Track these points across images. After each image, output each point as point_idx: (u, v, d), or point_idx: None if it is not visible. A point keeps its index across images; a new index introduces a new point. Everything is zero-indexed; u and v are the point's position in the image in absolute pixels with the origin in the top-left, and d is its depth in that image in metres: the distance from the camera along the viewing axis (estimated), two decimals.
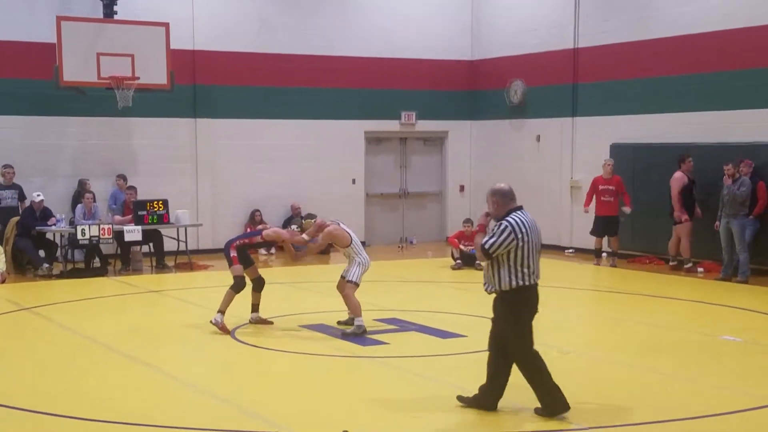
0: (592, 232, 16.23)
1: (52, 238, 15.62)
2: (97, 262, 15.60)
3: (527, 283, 6.98)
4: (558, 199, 18.51)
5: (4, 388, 7.92)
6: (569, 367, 8.76)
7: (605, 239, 16.22)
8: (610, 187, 15.80)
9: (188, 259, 16.05)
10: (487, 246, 6.90)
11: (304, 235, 10.50)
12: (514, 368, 7.13)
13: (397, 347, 9.49)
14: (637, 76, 16.90)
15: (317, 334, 10.18)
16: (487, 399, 7.17)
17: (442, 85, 20.15)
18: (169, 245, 16.30)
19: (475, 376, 8.20)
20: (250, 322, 10.55)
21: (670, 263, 15.44)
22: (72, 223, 15.40)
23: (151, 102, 16.87)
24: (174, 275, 15.54)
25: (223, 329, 10.05)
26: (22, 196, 15.70)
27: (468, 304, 12.50)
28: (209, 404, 7.44)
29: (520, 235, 6.89)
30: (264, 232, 10.68)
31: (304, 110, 18.83)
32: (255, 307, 10.61)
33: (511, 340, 7.09)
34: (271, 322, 10.61)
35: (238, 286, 10.25)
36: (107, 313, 12.01)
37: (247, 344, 9.68)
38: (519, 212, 7.06)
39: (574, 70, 18.06)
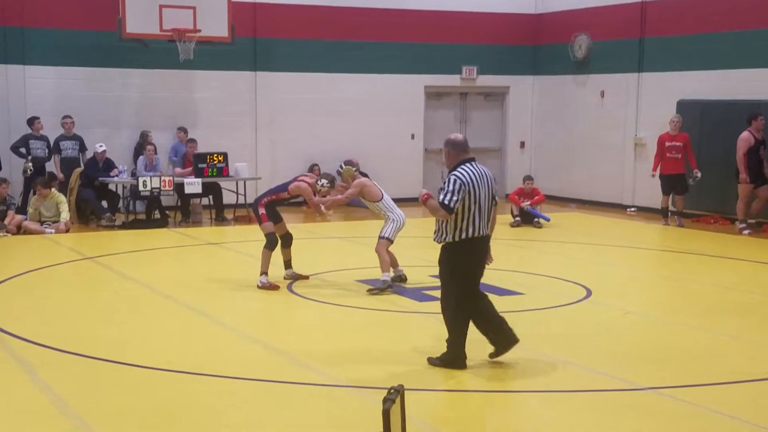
0: (663, 191, 15.77)
1: (114, 189, 15.84)
2: (157, 214, 15.79)
3: (475, 234, 6.92)
4: (621, 156, 18.19)
5: (68, 334, 8.07)
6: (629, 328, 8.65)
7: (670, 198, 15.87)
8: (677, 144, 15.41)
9: (247, 212, 16.16)
10: (446, 203, 6.80)
11: (329, 195, 10.40)
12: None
13: None
14: (706, 30, 16.43)
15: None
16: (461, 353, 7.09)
17: (504, 39, 19.84)
18: (228, 198, 16.43)
19: (529, 333, 8.14)
20: (285, 278, 10.50)
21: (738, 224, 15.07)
22: (134, 175, 15.58)
23: (212, 55, 16.91)
24: (233, 228, 15.67)
25: (272, 287, 10.02)
26: (83, 147, 15.91)
27: (526, 261, 12.41)
28: (265, 355, 7.50)
29: (467, 187, 6.83)
30: (289, 187, 10.32)
31: (364, 64, 18.71)
32: (288, 264, 10.57)
33: (449, 292, 7.05)
34: (307, 277, 10.58)
35: (271, 244, 10.13)
36: (167, 264, 12.17)
37: (304, 297, 9.73)
38: (469, 164, 7.00)
39: (641, 24, 17.62)
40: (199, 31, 15.88)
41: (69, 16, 16.52)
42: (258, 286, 10.06)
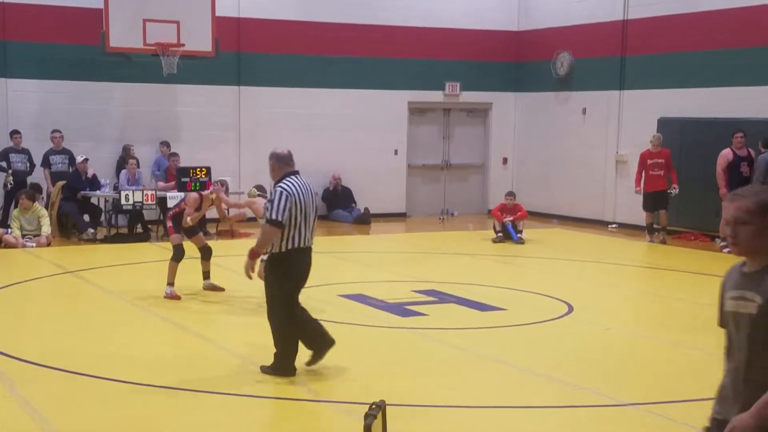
0: (645, 208, 15.85)
1: (96, 203, 15.78)
2: (140, 228, 15.74)
3: (301, 245, 7.06)
4: (602, 173, 18.30)
5: (48, 348, 8.02)
6: (610, 343, 8.68)
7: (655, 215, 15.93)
8: (659, 160, 15.51)
9: (230, 227, 16.12)
10: (274, 218, 6.89)
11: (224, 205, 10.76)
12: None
13: (435, 319, 9.46)
14: (686, 49, 16.58)
15: (356, 304, 10.18)
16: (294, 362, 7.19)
17: (487, 55, 19.95)
18: (211, 213, 16.35)
19: (510, 349, 8.17)
20: (203, 289, 10.63)
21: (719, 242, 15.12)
22: (116, 189, 15.54)
23: (195, 69, 16.91)
24: (215, 242, 15.57)
25: (174, 297, 10.15)
26: (73, 161, 15.86)
27: (508, 277, 12.44)
28: (247, 370, 7.48)
29: (293, 198, 6.96)
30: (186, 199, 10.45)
31: (348, 80, 18.75)
32: (205, 275, 10.73)
33: (275, 302, 7.12)
34: (222, 289, 10.62)
35: (176, 256, 10.25)
36: (149, 278, 12.11)
37: None
38: (293, 176, 7.13)
39: (622, 42, 17.76)
40: (183, 45, 15.88)
41: (52, 30, 16.49)
42: (164, 297, 10.12)
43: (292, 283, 7.15)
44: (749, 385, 3.61)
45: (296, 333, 7.19)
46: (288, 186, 7.02)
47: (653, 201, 15.66)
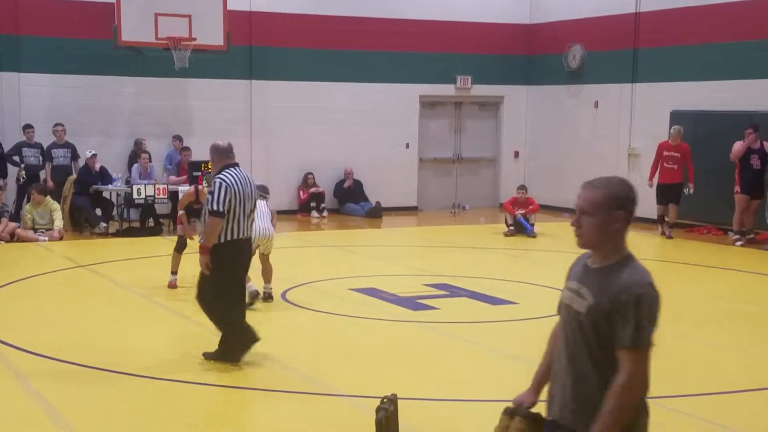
0: (657, 200, 15.58)
1: (108, 197, 15.82)
2: (151, 222, 15.78)
3: (241, 236, 7.19)
4: (615, 166, 18.19)
5: (60, 342, 8.05)
6: None
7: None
8: (675, 154, 15.29)
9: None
10: (215, 208, 7.02)
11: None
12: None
13: (447, 313, 9.45)
14: (699, 41, 16.49)
15: (367, 297, 10.18)
16: (235, 351, 7.31)
17: (498, 49, 19.89)
18: None
19: (522, 343, 8.15)
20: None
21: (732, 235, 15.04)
22: (128, 183, 15.57)
23: (207, 63, 16.91)
24: None
25: (172, 286, 10.45)
26: (75, 155, 15.89)
27: (520, 270, 12.42)
28: (259, 365, 7.49)
29: (233, 189, 7.08)
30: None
31: (359, 73, 18.74)
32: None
33: (216, 291, 7.21)
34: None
35: (178, 246, 10.68)
36: (161, 272, 12.12)
37: (298, 306, 9.72)
38: (233, 168, 7.24)
39: (634, 34, 17.68)
40: (195, 39, 15.89)
41: (64, 25, 16.51)
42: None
43: (233, 273, 7.27)
44: (570, 385, 3.42)
45: (237, 319, 7.34)
46: (227, 177, 7.15)
47: (667, 193, 15.50)
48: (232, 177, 7.17)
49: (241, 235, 7.20)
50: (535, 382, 3.75)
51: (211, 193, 7.12)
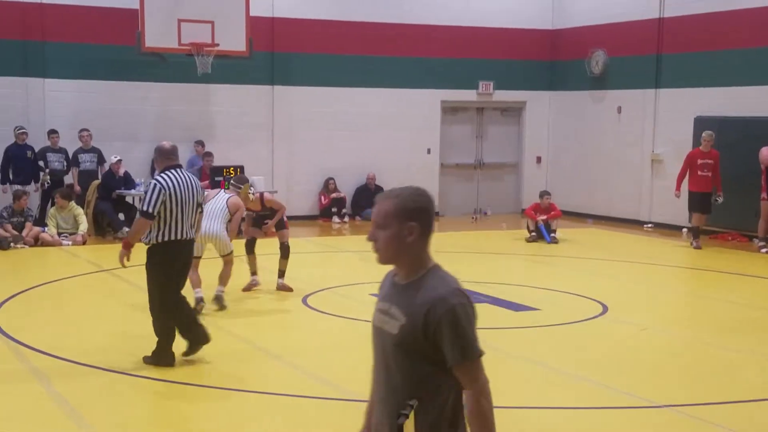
0: (692, 208, 15.14)
1: (131, 202, 15.91)
2: None
3: (178, 237, 7.24)
4: (638, 172, 18.13)
5: (83, 346, 8.09)
6: (645, 344, 8.60)
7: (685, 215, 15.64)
8: (709, 161, 14.83)
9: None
10: (145, 209, 7.13)
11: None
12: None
13: None
14: (723, 47, 16.38)
15: None
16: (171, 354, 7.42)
17: (521, 54, 19.85)
18: None
19: (547, 349, 8.12)
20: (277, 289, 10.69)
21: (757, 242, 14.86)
22: None
23: (229, 69, 16.98)
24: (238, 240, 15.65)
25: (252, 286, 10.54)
26: (101, 160, 16.00)
27: (542, 277, 12.36)
28: (279, 369, 7.50)
29: (168, 192, 7.14)
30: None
31: (381, 79, 18.75)
32: (280, 273, 10.71)
33: (154, 292, 7.31)
34: (290, 289, 10.63)
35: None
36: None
37: (318, 311, 9.72)
38: (173, 170, 7.31)
39: (658, 40, 17.59)
40: (218, 45, 15.96)
41: (89, 31, 16.64)
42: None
43: (168, 274, 7.32)
44: (389, 413, 3.14)
45: (172, 323, 7.40)
46: (163, 179, 7.23)
47: (701, 202, 14.91)
48: (169, 179, 7.23)
49: (177, 237, 7.25)
50: (367, 418, 3.39)
51: (146, 192, 7.27)
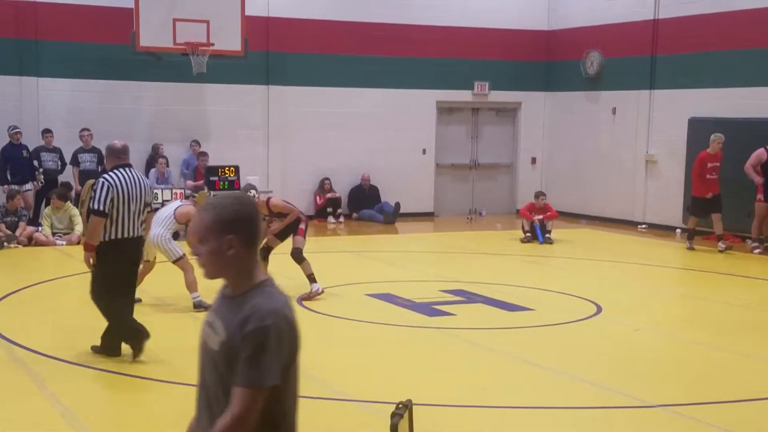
0: (693, 212, 14.87)
1: None
2: None
3: (125, 236, 7.37)
4: (632, 173, 18.16)
5: (77, 346, 8.08)
6: (639, 344, 8.62)
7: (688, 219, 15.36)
8: (717, 164, 14.65)
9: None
10: (96, 207, 7.25)
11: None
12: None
13: (463, 319, 9.44)
14: (717, 48, 16.42)
15: (383, 303, 10.18)
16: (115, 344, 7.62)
17: (516, 55, 19.87)
18: None
19: (541, 349, 8.13)
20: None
21: (750, 243, 14.90)
22: None
23: (224, 68, 16.97)
24: None
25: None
26: (101, 160, 15.97)
27: (536, 277, 12.38)
28: None
29: (116, 190, 7.29)
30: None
31: (376, 79, 18.75)
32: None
33: (98, 286, 7.47)
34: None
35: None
36: (177, 276, 12.15)
37: (313, 311, 9.73)
38: (121, 169, 7.44)
39: (653, 41, 17.62)
40: (213, 44, 15.95)
41: (83, 30, 16.61)
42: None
43: (115, 271, 7.41)
44: (203, 427, 3.01)
45: (119, 318, 7.56)
46: (111, 177, 7.36)
47: (705, 206, 14.67)
48: (117, 178, 7.36)
49: (124, 235, 7.37)
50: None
51: (95, 191, 7.36)
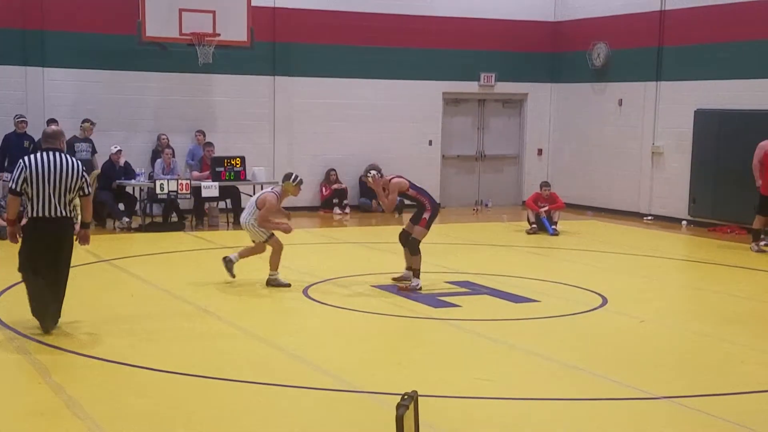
0: (762, 212, 13.85)
1: (131, 192, 15.90)
2: (174, 217, 15.85)
3: (40, 215, 7.84)
4: (638, 165, 18.13)
5: (82, 336, 8.10)
6: (644, 336, 8.61)
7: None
8: None
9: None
10: (11, 186, 7.82)
11: None
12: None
13: (468, 310, 9.43)
14: (724, 39, 16.36)
15: (389, 294, 10.17)
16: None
17: (523, 46, 19.82)
18: (244, 202, 16.43)
19: (547, 341, 8.13)
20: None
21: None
22: (151, 178, 15.64)
23: (230, 59, 16.96)
24: (231, 232, 15.66)
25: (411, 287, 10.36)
26: (94, 150, 15.97)
27: (542, 269, 12.37)
28: (280, 360, 7.50)
29: (29, 170, 7.74)
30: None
31: (383, 70, 18.73)
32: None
33: (21, 260, 8.06)
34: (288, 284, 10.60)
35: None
36: (183, 267, 12.19)
37: (319, 302, 9.73)
38: (45, 152, 7.87)
39: (659, 32, 17.56)
40: (219, 35, 15.94)
41: (89, 20, 16.61)
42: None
43: (33, 247, 7.95)
44: None
45: (33, 292, 8.08)
46: (26, 159, 7.82)
47: None
48: (34, 160, 7.78)
49: (40, 214, 7.82)
50: None
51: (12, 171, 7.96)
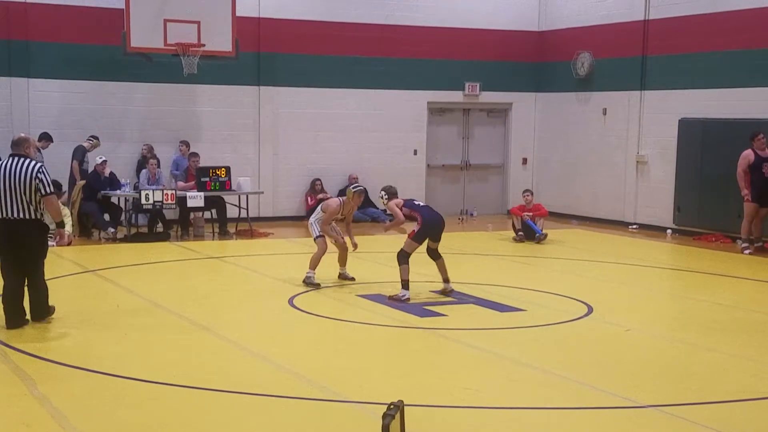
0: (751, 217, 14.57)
1: (117, 203, 15.86)
2: (160, 227, 15.81)
3: (1, 216, 8.36)
4: (623, 174, 18.21)
5: (68, 347, 8.07)
6: (630, 344, 8.63)
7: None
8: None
9: (249, 227, 16.16)
10: None
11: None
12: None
13: (454, 320, 9.45)
14: (708, 49, 16.47)
15: (374, 303, 10.18)
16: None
17: (507, 56, 19.90)
18: (230, 212, 16.44)
19: (533, 350, 8.15)
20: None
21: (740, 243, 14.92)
22: (136, 188, 15.61)
23: (215, 69, 16.96)
24: (235, 242, 15.67)
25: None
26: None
27: (528, 278, 12.39)
28: (266, 370, 7.49)
29: None
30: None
31: (367, 80, 18.76)
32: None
33: None
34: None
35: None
36: (169, 278, 12.17)
37: (305, 312, 9.72)
38: (9, 158, 8.43)
39: (643, 42, 17.66)
40: (204, 45, 15.93)
41: (73, 30, 16.58)
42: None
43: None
44: None
45: (3, 291, 8.63)
46: None
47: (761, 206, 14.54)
48: None
49: (1, 215, 8.38)
50: None
51: None
